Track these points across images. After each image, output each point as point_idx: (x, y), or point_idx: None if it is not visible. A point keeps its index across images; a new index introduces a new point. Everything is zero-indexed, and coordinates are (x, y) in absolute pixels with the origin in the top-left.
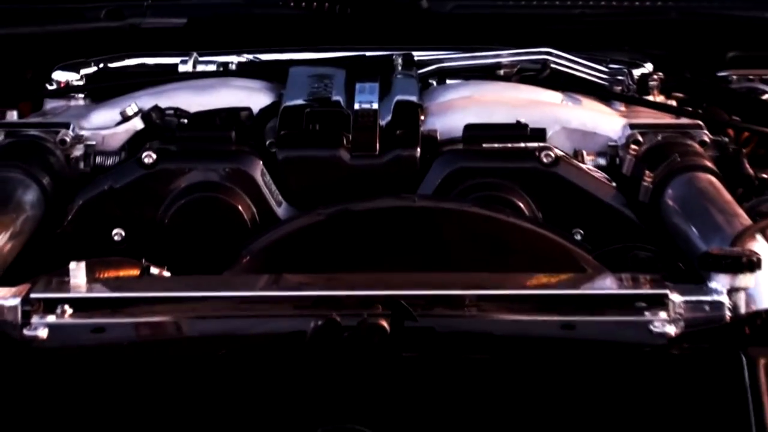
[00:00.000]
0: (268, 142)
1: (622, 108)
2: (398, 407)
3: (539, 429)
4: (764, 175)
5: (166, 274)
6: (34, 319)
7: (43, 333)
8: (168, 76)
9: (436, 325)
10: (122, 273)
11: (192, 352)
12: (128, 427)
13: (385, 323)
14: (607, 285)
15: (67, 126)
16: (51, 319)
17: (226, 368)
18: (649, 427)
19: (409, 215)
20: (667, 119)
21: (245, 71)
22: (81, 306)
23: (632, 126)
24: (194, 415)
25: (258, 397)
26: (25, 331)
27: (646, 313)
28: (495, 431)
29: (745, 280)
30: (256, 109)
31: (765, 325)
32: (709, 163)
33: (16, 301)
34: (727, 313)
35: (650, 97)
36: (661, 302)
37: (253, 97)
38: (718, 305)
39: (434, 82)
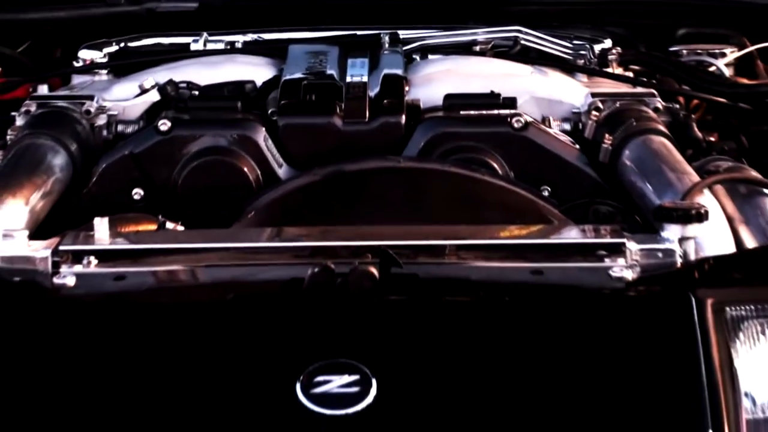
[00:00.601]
0: (270, 111)
1: (585, 79)
2: (385, 344)
3: (512, 364)
4: (711, 138)
5: (180, 228)
6: (63, 269)
7: (70, 281)
8: (181, 53)
9: (420, 272)
10: (141, 227)
11: (203, 297)
12: (145, 363)
13: (374, 270)
14: (571, 235)
15: (91, 98)
16: (78, 268)
17: (233, 311)
18: (608, 361)
19: (395, 174)
20: (624, 89)
21: (250, 49)
22: (104, 257)
23: (593, 95)
24: (204, 351)
25: (261, 336)
26: (55, 280)
27: (606, 260)
28: (471, 365)
29: (694, 230)
30: (259, 82)
31: (712, 270)
32: (662, 127)
33: (47, 253)
34: (678, 260)
35: (609, 70)
36: (619, 250)
37: (257, 71)
38: (670, 252)
39: (417, 57)
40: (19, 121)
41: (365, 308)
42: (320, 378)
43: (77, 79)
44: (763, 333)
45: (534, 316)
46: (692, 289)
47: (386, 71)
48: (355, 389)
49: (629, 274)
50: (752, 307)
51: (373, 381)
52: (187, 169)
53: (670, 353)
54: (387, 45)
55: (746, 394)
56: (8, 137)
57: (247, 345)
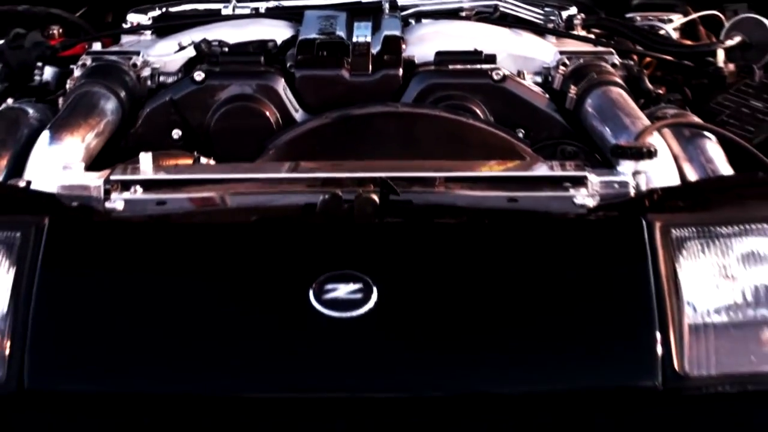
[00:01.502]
0: (288, 65)
1: (554, 40)
2: (384, 258)
3: (491, 275)
4: (660, 90)
5: (212, 162)
6: (113, 196)
7: (119, 205)
8: (214, 17)
9: (414, 199)
10: (179, 162)
11: (231, 219)
12: (182, 273)
13: (375, 197)
14: (541, 170)
15: (138, 54)
16: (126, 195)
17: (256, 231)
18: (572, 274)
19: (393, 118)
20: (587, 48)
21: (272, 14)
22: (148, 185)
23: (561, 53)
24: (232, 264)
25: (280, 251)
26: (107, 204)
27: (571, 190)
28: (456, 276)
29: (645, 165)
30: (279, 41)
31: (660, 199)
32: (618, 80)
33: (100, 182)
34: (632, 190)
35: (575, 32)
36: (582, 182)
37: (277, 32)
38: (625, 184)
39: (413, 21)
40: (77, 73)
41: (368, 229)
42: (329, 286)
43: (126, 39)
44: (703, 251)
45: (510, 236)
46: (643, 214)
47: (386, 32)
48: (358, 296)
49: (590, 202)
50: (694, 229)
51: (374, 289)
52: (218, 113)
53: (624, 268)
54: (387, 11)
55: (688, 303)
56: (67, 86)
57: (268, 259)
